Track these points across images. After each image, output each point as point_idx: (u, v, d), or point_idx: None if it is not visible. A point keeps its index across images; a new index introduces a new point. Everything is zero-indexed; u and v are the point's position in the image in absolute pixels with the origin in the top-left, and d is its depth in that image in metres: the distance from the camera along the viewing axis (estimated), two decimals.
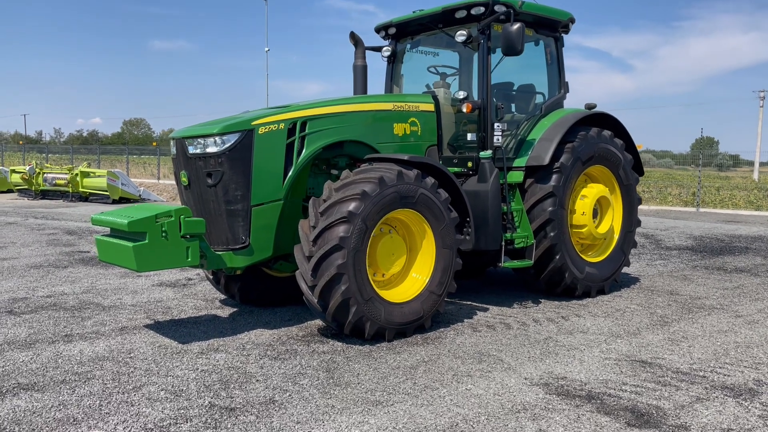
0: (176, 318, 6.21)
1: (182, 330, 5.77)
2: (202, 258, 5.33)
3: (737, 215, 19.01)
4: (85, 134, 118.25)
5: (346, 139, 6.02)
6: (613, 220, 7.52)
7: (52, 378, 4.48)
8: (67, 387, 4.31)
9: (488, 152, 6.45)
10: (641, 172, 7.95)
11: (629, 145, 7.70)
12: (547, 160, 6.74)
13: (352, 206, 5.15)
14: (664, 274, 8.88)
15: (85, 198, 21.82)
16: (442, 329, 5.86)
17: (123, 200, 21.12)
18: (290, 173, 5.63)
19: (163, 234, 5.00)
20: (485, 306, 6.82)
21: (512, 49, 6.20)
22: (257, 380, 4.47)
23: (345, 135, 6.00)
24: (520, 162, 6.89)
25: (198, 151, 5.46)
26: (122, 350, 5.13)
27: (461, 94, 6.57)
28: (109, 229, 5.36)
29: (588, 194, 7.20)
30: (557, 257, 6.83)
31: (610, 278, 7.47)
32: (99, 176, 21.47)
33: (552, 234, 6.76)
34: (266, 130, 5.48)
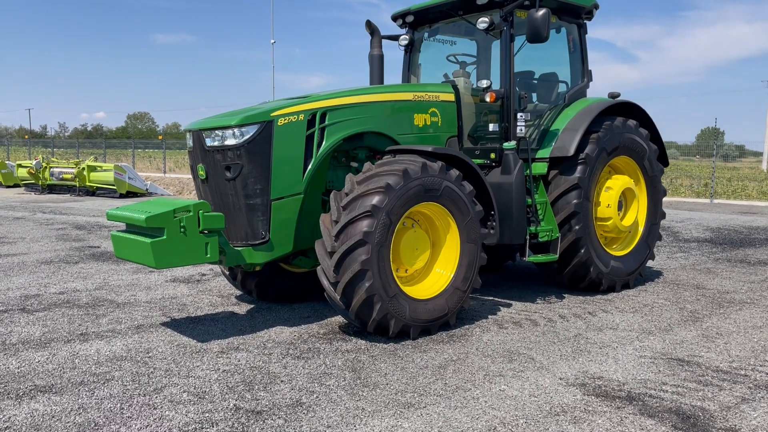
0: (193, 315, 6.05)
1: (200, 328, 5.60)
2: (221, 254, 5.16)
3: (752, 206, 18.76)
4: (89, 128, 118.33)
5: (366, 130, 5.83)
6: (638, 213, 7.31)
7: (70, 379, 4.32)
8: (86, 389, 4.15)
9: (512, 143, 6.25)
10: (666, 163, 7.74)
11: (654, 135, 7.49)
12: (572, 151, 6.54)
13: (375, 200, 4.97)
14: (686, 267, 8.68)
15: (92, 192, 21.69)
16: (467, 326, 5.68)
17: (130, 194, 20.99)
18: (310, 166, 5.44)
19: (182, 229, 4.83)
20: (508, 301, 6.64)
21: (537, 36, 5.99)
22: (282, 381, 4.31)
23: (365, 126, 5.81)
24: (543, 153, 6.69)
25: (216, 143, 5.28)
26: (140, 349, 4.97)
27: (484, 83, 6.37)
28: (124, 224, 5.20)
29: (613, 186, 7.00)
30: (582, 251, 6.64)
31: (635, 272, 7.28)
32: (106, 170, 21.32)
33: (577, 227, 6.56)
34: (286, 121, 5.30)
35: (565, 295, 6.92)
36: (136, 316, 6.01)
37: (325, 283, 5.16)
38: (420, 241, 5.48)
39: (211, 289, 7.21)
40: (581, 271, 6.78)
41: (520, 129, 6.47)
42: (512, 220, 6.08)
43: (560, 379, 4.37)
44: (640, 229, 7.39)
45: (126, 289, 7.19)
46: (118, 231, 5.28)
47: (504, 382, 4.30)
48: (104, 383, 4.25)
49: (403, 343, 5.18)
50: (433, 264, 5.64)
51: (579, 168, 6.61)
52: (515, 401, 3.99)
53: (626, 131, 7.04)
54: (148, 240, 4.75)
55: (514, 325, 5.71)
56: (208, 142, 5.34)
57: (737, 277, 7.94)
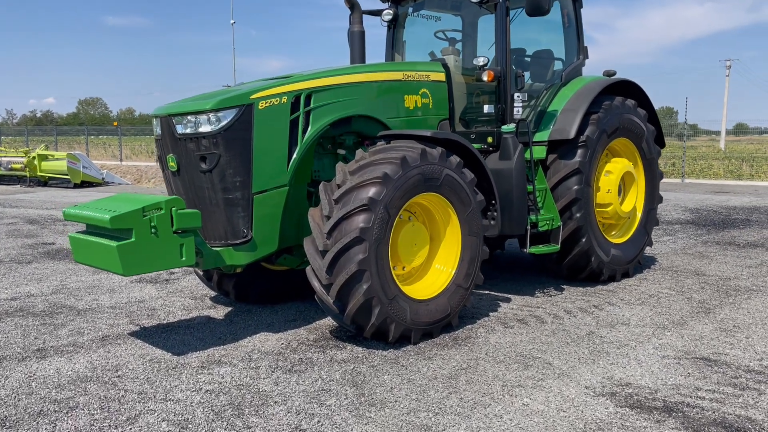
0: (165, 322, 5.45)
1: (174, 337, 5.01)
2: (197, 256, 4.57)
3: (724, 185, 18.80)
4: (38, 115, 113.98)
5: (355, 113, 5.28)
6: (637, 198, 6.95)
7: (26, 408, 3.71)
8: (46, 421, 3.55)
9: (511, 126, 5.78)
10: (662, 145, 7.39)
11: (651, 116, 7.11)
12: (573, 134, 6.11)
13: (372, 192, 4.44)
14: (678, 251, 8.40)
15: (44, 182, 20.60)
16: (469, 326, 5.23)
17: (85, 184, 19.99)
18: (295, 154, 4.88)
19: (153, 230, 4.22)
20: (506, 295, 6.21)
21: (538, 9, 5.51)
22: (275, 402, 3.78)
23: (354, 109, 5.26)
24: (541, 136, 6.25)
25: (188, 130, 4.67)
26: (107, 367, 4.37)
27: (480, 60, 5.86)
28: (84, 224, 4.56)
29: (613, 170, 6.61)
30: (583, 240, 6.24)
31: (635, 260, 6.93)
32: (58, 159, 20.24)
33: (578, 215, 6.15)
34: (267, 104, 4.71)
35: (564, 287, 6.53)
36: (100, 324, 5.38)
37: (316, 285, 4.63)
38: (418, 236, 4.98)
39: (182, 290, 6.60)
40: (582, 261, 6.39)
41: (517, 110, 6.01)
42: (513, 209, 5.62)
43: (586, 388, 3.94)
44: (638, 214, 7.04)
45: (87, 293, 6.52)
46: (78, 232, 4.64)
47: (526, 394, 3.85)
48: (67, 412, 3.65)
49: (404, 349, 4.69)
50: (432, 260, 5.15)
51: (579, 151, 6.19)
52: (543, 418, 3.54)
53: (625, 111, 6.64)
54: (113, 243, 4.13)
55: (520, 324, 5.27)
56: (179, 129, 4.71)
57: (733, 262, 7.68)
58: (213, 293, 6.32)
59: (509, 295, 6.21)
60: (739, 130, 71.53)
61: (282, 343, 4.84)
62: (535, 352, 4.58)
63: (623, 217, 6.81)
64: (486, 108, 6.14)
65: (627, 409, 3.63)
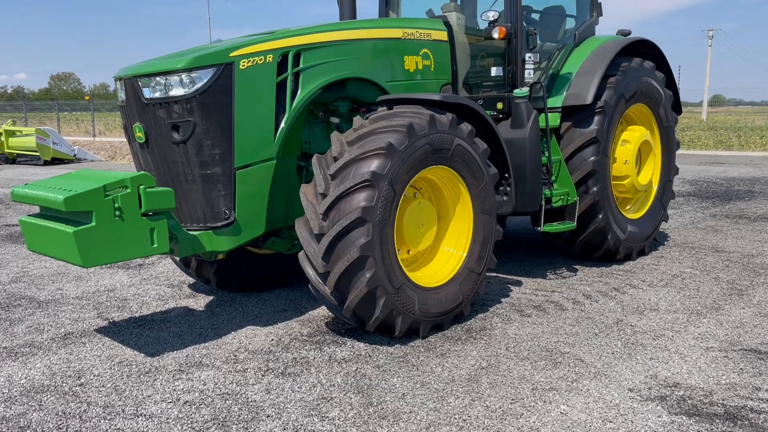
0: (137, 316, 4.81)
1: (147, 334, 4.38)
2: (171, 242, 3.93)
3: (717, 156, 18.40)
4: (9, 91, 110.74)
5: (350, 76, 4.62)
6: (654, 169, 6.40)
7: None
8: None
9: (524, 90, 5.15)
10: (679, 111, 6.83)
11: (669, 80, 6.53)
12: (590, 98, 5.51)
13: (375, 165, 3.82)
14: (688, 225, 7.90)
15: (12, 160, 19.63)
16: (481, 315, 4.66)
17: (56, 161, 19.06)
18: (283, 122, 4.22)
19: (117, 213, 3.57)
20: (516, 278, 5.65)
21: None
22: (268, 415, 3.18)
23: (349, 71, 4.60)
24: (554, 102, 5.64)
25: (157, 94, 3.98)
26: (68, 373, 3.74)
27: (491, 15, 5.20)
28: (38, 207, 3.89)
29: (630, 139, 6.03)
30: (600, 216, 5.68)
31: (651, 237, 6.39)
32: (27, 135, 19.25)
33: (595, 189, 5.59)
34: (250, 63, 4.04)
35: (577, 267, 5.98)
36: (63, 319, 4.73)
37: (311, 273, 4.02)
38: (425, 215, 4.37)
39: (157, 276, 5.95)
40: (597, 239, 5.84)
41: (529, 73, 5.39)
42: (526, 183, 5.03)
43: (630, 390, 3.40)
44: (655, 187, 6.49)
45: (50, 281, 5.84)
46: (30, 216, 3.96)
47: (562, 400, 3.29)
48: None
49: (411, 344, 4.11)
50: (440, 242, 4.56)
51: (596, 118, 5.60)
52: (587, 429, 2.99)
53: (644, 74, 6.05)
54: (70, 229, 3.47)
55: (538, 311, 4.72)
56: (147, 93, 4.03)
57: (750, 237, 7.19)
58: (192, 279, 5.68)
59: (519, 278, 5.65)
60: (716, 101, 71.45)
61: (272, 339, 4.24)
62: (561, 346, 4.03)
63: (640, 190, 6.26)
64: (494, 71, 5.50)
65: (684, 418, 3.09)
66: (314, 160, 4.06)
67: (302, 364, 3.81)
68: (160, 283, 5.71)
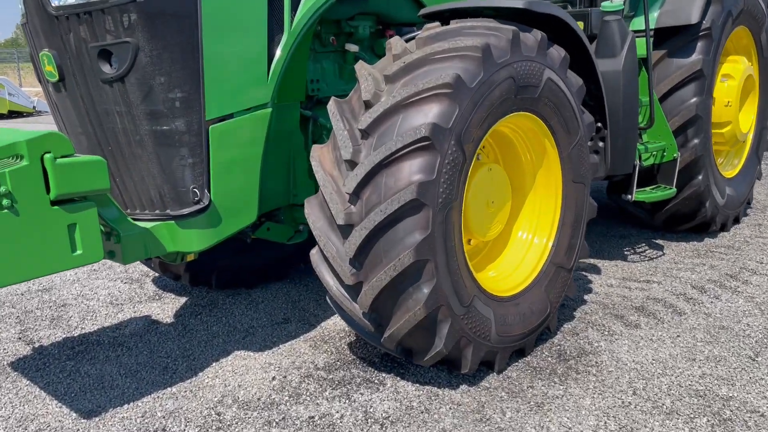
0: (76, 335, 3.37)
1: (87, 370, 2.96)
2: (109, 241, 2.46)
3: None
4: None
5: None
6: (753, 113, 4.99)
7: None
8: None
9: (618, 3, 3.65)
10: None
11: None
12: (695, 17, 4.04)
13: (435, 113, 2.35)
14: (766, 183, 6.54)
15: None
16: (568, 326, 3.29)
17: (13, 114, 17.29)
18: (279, 50, 2.70)
19: (6, 202, 2.08)
20: (588, 261, 4.26)
21: None
22: None
23: None
24: (641, 22, 4.14)
25: (73, 0, 2.44)
26: None
27: None
28: None
29: (733, 73, 4.58)
30: (700, 177, 4.29)
31: (746, 200, 5.03)
32: None
33: (696, 141, 4.18)
34: None
35: (659, 242, 4.62)
36: None
37: (331, 283, 2.60)
38: (498, 187, 2.93)
39: (112, 265, 4.49)
40: (690, 207, 4.44)
41: None
42: (619, 135, 3.59)
43: None
44: (750, 135, 5.09)
45: None
46: None
47: None
48: None
49: (485, 383, 2.73)
50: (513, 226, 3.13)
51: (700, 44, 4.14)
52: None
53: None
54: None
55: (647, 318, 3.35)
56: (56, 1, 2.48)
57: None
58: (155, 273, 4.22)
59: (592, 261, 4.27)
60: None
61: (273, 378, 2.83)
62: (712, 384, 2.67)
63: (740, 140, 4.85)
64: None
65: None
66: (332, 106, 2.57)
67: (324, 429, 2.42)
68: (115, 276, 4.26)
